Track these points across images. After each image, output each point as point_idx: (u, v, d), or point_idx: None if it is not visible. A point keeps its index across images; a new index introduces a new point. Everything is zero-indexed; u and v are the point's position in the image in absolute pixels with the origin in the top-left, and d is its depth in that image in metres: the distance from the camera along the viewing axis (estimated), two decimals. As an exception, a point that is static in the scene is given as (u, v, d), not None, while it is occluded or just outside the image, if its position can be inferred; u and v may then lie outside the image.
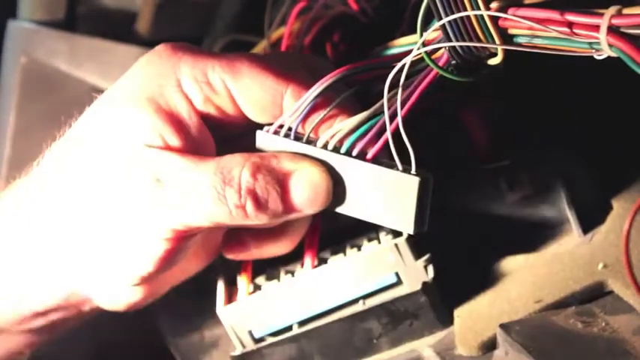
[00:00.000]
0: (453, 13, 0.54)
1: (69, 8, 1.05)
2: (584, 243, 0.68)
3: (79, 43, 1.03)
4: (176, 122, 0.61)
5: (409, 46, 0.59)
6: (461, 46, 0.55)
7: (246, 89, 0.61)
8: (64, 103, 1.00)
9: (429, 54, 0.56)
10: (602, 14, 0.49)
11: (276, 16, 0.78)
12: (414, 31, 0.57)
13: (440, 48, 0.56)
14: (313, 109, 0.60)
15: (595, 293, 0.66)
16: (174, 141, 0.60)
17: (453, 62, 0.56)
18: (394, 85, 0.57)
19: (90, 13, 1.07)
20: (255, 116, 0.62)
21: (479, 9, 0.54)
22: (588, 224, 0.69)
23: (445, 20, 0.54)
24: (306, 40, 0.74)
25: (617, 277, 0.65)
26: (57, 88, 1.03)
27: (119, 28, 1.05)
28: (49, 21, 1.05)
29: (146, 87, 0.61)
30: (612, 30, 0.48)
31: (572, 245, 0.69)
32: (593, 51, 0.50)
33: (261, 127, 0.62)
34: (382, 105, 0.57)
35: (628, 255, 0.64)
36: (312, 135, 0.61)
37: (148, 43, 0.95)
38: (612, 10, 0.48)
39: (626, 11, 0.48)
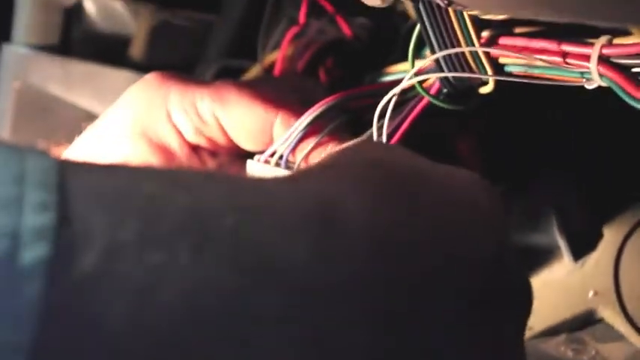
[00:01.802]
0: (445, 45, 0.55)
1: (63, 33, 1.06)
2: (575, 270, 0.68)
3: (74, 68, 1.03)
4: (167, 155, 0.61)
5: (401, 74, 0.59)
6: (453, 76, 0.55)
7: (236, 119, 0.61)
8: (58, 128, 1.00)
9: (421, 82, 0.57)
10: (592, 44, 0.49)
11: (269, 41, 0.79)
12: (407, 57, 0.58)
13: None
14: (304, 137, 0.60)
15: (586, 321, 0.66)
16: None
17: (445, 91, 0.56)
18: (386, 113, 0.57)
19: (84, 38, 1.07)
20: (246, 144, 0.62)
21: (472, 42, 0.54)
22: (579, 251, 0.69)
23: (439, 55, 0.55)
24: (299, 65, 0.74)
25: (607, 304, 0.65)
26: (51, 113, 1.03)
27: (113, 53, 1.05)
28: (43, 45, 1.05)
29: (136, 119, 0.61)
30: (603, 60, 0.49)
31: (563, 272, 0.69)
32: (584, 80, 0.50)
33: (252, 154, 0.62)
34: (375, 132, 0.58)
35: (618, 283, 0.64)
36: (302, 163, 0.61)
37: (142, 68, 0.95)
38: (603, 40, 0.49)
39: (616, 41, 0.49)
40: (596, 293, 0.66)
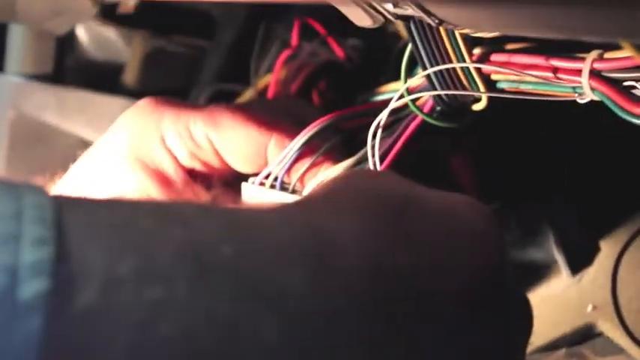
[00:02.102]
0: (437, 63, 0.55)
1: (56, 61, 1.06)
2: (573, 285, 0.68)
3: (68, 96, 1.03)
4: (162, 180, 0.61)
5: (394, 92, 0.59)
6: (446, 94, 0.56)
7: (230, 142, 0.61)
8: (53, 156, 1.00)
9: (414, 100, 0.57)
10: (584, 59, 0.49)
11: (262, 64, 0.79)
12: (399, 78, 0.58)
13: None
14: (299, 157, 0.60)
15: (585, 335, 0.66)
16: (161, 198, 0.60)
17: (438, 108, 0.56)
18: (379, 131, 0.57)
19: (78, 66, 1.07)
20: (240, 167, 0.62)
21: (464, 60, 0.54)
22: (577, 266, 0.69)
23: (430, 71, 0.55)
24: (292, 88, 0.74)
25: (606, 318, 0.65)
26: (46, 142, 1.03)
27: (107, 80, 1.05)
28: (36, 74, 1.05)
29: (131, 145, 0.61)
30: (594, 74, 0.49)
31: (561, 287, 0.69)
32: (576, 95, 0.51)
33: (247, 177, 0.63)
34: (369, 150, 0.58)
35: (616, 296, 0.64)
36: (298, 184, 0.61)
37: (137, 95, 0.95)
38: (594, 54, 0.49)
39: (607, 55, 0.49)
40: (594, 307, 0.66)
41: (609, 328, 0.65)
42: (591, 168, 0.72)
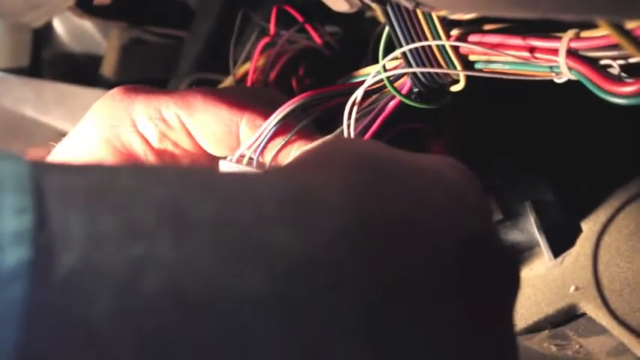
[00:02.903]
0: (413, 41, 0.55)
1: (34, 54, 1.06)
2: (555, 266, 0.68)
3: (45, 89, 1.03)
4: (133, 162, 0.61)
5: (371, 75, 0.59)
6: (423, 73, 0.55)
7: (201, 122, 0.61)
8: (32, 149, 1.00)
9: (392, 82, 0.57)
10: (560, 38, 0.49)
11: (240, 52, 0.79)
12: (377, 62, 0.58)
13: (402, 76, 0.56)
14: (273, 136, 0.60)
15: (568, 316, 0.66)
16: None
17: (416, 90, 0.56)
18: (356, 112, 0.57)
19: (55, 59, 1.07)
20: (213, 149, 0.62)
21: (439, 38, 0.54)
22: (559, 247, 0.69)
23: (406, 48, 0.55)
24: (271, 75, 0.74)
25: (589, 299, 0.65)
26: (24, 135, 1.02)
27: (85, 72, 1.05)
28: (14, 68, 1.05)
29: (102, 130, 0.61)
30: (571, 53, 0.49)
31: (543, 269, 0.69)
32: (554, 74, 0.51)
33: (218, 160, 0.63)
34: (345, 130, 0.58)
35: (598, 277, 0.65)
36: (273, 163, 0.61)
37: (114, 86, 0.95)
38: (570, 33, 0.49)
39: (584, 34, 0.49)
40: (577, 288, 0.66)
41: (592, 308, 0.65)
42: (572, 149, 0.72)
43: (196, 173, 0.35)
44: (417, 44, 0.54)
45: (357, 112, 0.58)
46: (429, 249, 0.37)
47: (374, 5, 0.57)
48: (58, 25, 1.07)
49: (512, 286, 0.41)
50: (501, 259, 0.41)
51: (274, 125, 0.59)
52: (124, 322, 0.28)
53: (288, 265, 0.32)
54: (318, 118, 0.61)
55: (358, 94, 0.57)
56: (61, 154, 0.63)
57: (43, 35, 1.07)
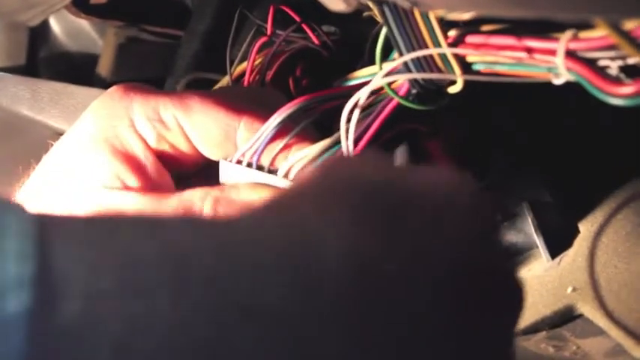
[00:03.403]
0: (412, 46, 0.55)
1: (30, 53, 1.05)
2: (552, 267, 0.68)
3: (42, 88, 1.02)
4: (132, 162, 0.61)
5: (369, 77, 0.59)
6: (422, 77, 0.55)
7: (198, 125, 0.61)
8: (28, 149, 1.00)
9: (389, 83, 0.57)
10: (558, 39, 0.49)
11: (237, 52, 0.79)
12: (374, 63, 0.58)
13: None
14: (272, 139, 0.60)
15: (565, 317, 0.66)
16: (132, 181, 0.60)
17: (414, 91, 0.56)
18: (354, 114, 0.57)
19: (51, 58, 1.07)
20: (209, 152, 0.62)
21: (439, 42, 0.54)
22: (556, 249, 0.69)
23: (407, 57, 0.55)
24: (268, 75, 0.74)
25: (586, 300, 0.65)
26: (21, 134, 1.02)
27: (81, 71, 1.04)
28: (10, 67, 1.05)
29: (101, 130, 0.61)
30: (569, 54, 0.49)
31: (540, 270, 0.69)
32: (552, 75, 0.50)
33: (215, 163, 0.62)
34: (343, 133, 0.58)
35: (595, 278, 0.64)
36: (271, 167, 0.61)
37: (111, 85, 0.95)
38: (569, 34, 0.49)
39: (582, 35, 0.49)
40: (574, 289, 0.66)
41: (589, 309, 0.65)
42: (568, 150, 0.72)
43: (198, 224, 0.35)
44: (419, 53, 0.54)
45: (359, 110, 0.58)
46: (440, 283, 0.37)
47: (371, 5, 0.56)
48: (55, 24, 1.06)
49: (517, 305, 0.41)
50: (508, 278, 0.41)
51: (273, 128, 0.59)
52: None
53: (283, 328, 0.32)
54: (315, 121, 0.60)
55: (358, 98, 0.57)
56: (58, 152, 0.63)
57: (40, 34, 1.07)
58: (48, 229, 0.30)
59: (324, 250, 0.35)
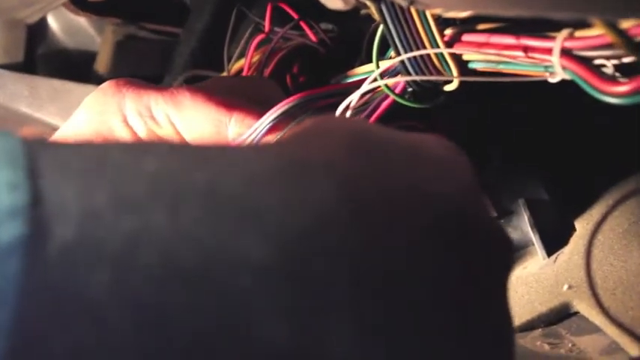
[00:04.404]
0: (409, 45, 0.55)
1: (28, 50, 1.05)
2: (548, 265, 0.69)
3: (40, 85, 1.02)
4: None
5: (367, 74, 0.59)
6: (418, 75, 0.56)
7: (189, 121, 0.61)
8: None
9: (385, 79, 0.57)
10: (554, 37, 0.49)
11: (235, 49, 0.79)
12: (371, 60, 0.58)
13: (396, 75, 0.57)
14: (266, 134, 0.60)
15: (561, 314, 0.66)
16: None
17: (410, 89, 0.56)
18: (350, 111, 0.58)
19: (49, 55, 1.07)
20: None
21: (435, 41, 0.54)
22: (552, 246, 0.69)
23: (404, 57, 0.55)
24: (265, 72, 0.74)
25: (582, 297, 0.65)
26: (19, 131, 1.02)
27: (79, 68, 1.04)
28: (8, 64, 1.05)
29: (93, 125, 0.62)
30: (565, 53, 0.49)
31: (536, 268, 0.69)
32: (548, 74, 0.51)
33: None
34: None
35: (591, 275, 0.65)
36: None
37: (108, 82, 0.95)
38: (565, 33, 0.49)
39: (578, 34, 0.49)
40: (570, 287, 0.66)
41: (585, 307, 0.65)
42: (564, 148, 0.72)
43: (189, 147, 0.35)
44: (415, 53, 0.55)
45: (351, 111, 0.58)
46: (425, 222, 0.37)
47: (368, 3, 0.56)
48: (53, 22, 1.06)
49: (506, 259, 0.41)
50: (495, 234, 0.41)
51: (268, 123, 0.60)
52: (122, 295, 0.28)
53: (281, 235, 0.32)
54: (312, 116, 0.61)
55: (354, 98, 0.57)
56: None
57: (38, 31, 1.06)
58: (38, 155, 0.30)
59: (316, 175, 0.35)
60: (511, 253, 0.42)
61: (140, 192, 0.30)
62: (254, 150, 0.37)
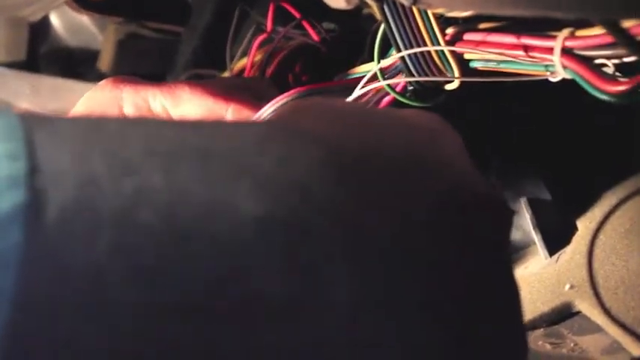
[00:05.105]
0: (411, 44, 0.55)
1: (30, 49, 1.05)
2: (550, 265, 0.69)
3: (42, 83, 1.02)
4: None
5: (367, 72, 0.59)
6: (419, 74, 0.56)
7: (187, 113, 0.62)
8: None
9: (386, 79, 0.57)
10: (555, 37, 0.49)
11: (237, 48, 0.79)
12: (374, 59, 0.58)
13: (397, 74, 0.57)
14: None
15: (563, 314, 0.66)
16: None
17: (411, 88, 0.56)
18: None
19: (52, 53, 1.07)
20: None
21: (437, 40, 0.54)
22: (554, 246, 0.69)
23: (404, 53, 0.55)
24: (268, 72, 0.74)
25: (584, 297, 0.65)
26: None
27: (81, 67, 1.05)
28: (10, 62, 1.05)
29: None
30: (566, 52, 0.49)
31: (538, 267, 0.69)
32: (549, 73, 0.51)
33: None
34: None
35: (593, 275, 0.65)
36: None
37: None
38: (565, 32, 0.49)
39: (579, 33, 0.49)
40: (572, 286, 0.66)
41: (587, 306, 0.65)
42: (565, 147, 0.72)
43: (181, 120, 0.36)
44: (416, 49, 0.55)
45: None
46: (417, 187, 0.37)
47: (371, 2, 0.56)
48: (55, 20, 1.06)
49: (505, 222, 0.41)
50: (489, 197, 0.41)
51: (267, 115, 0.60)
52: (124, 257, 0.28)
53: (277, 191, 0.32)
54: None
55: (352, 95, 0.57)
56: None
57: (40, 30, 1.07)
58: (35, 128, 0.30)
59: (304, 139, 0.35)
60: (506, 208, 0.42)
61: (136, 154, 0.30)
62: (243, 121, 0.38)
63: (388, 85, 0.57)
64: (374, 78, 0.58)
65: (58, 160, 0.29)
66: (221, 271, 0.29)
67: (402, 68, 0.56)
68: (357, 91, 0.58)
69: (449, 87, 0.56)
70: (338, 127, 0.37)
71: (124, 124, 0.32)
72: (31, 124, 0.30)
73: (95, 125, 0.32)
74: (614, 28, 0.44)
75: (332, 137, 0.36)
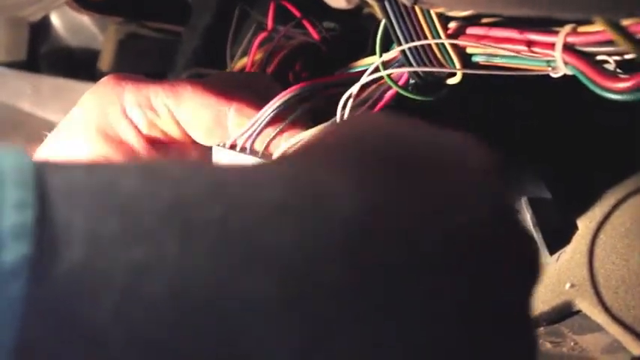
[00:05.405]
0: (412, 39, 0.55)
1: (31, 49, 1.05)
2: (550, 264, 0.68)
3: (43, 83, 1.02)
4: (126, 150, 0.62)
5: (369, 66, 0.59)
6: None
7: (189, 112, 0.62)
8: (30, 144, 1.00)
9: (389, 73, 0.57)
10: (557, 32, 0.49)
11: (237, 47, 0.79)
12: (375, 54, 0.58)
13: (399, 67, 0.57)
14: (268, 125, 0.60)
15: (563, 313, 0.66)
16: None
17: (413, 82, 0.56)
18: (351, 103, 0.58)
19: (52, 53, 1.07)
20: (201, 138, 0.63)
21: (439, 36, 0.54)
22: (554, 245, 0.69)
23: (405, 47, 0.55)
24: (268, 70, 0.74)
25: (584, 296, 0.65)
26: (21, 129, 1.02)
27: (82, 67, 1.05)
28: (11, 62, 1.05)
29: (93, 117, 0.62)
30: (568, 48, 0.49)
31: (539, 266, 0.69)
32: (550, 69, 0.51)
33: (208, 149, 0.63)
34: (339, 119, 0.58)
35: (593, 274, 0.64)
36: (265, 152, 0.61)
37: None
38: (568, 28, 0.49)
39: (581, 29, 0.49)
40: (572, 285, 0.66)
41: (587, 305, 0.65)
42: (566, 146, 0.72)
43: (205, 171, 0.34)
44: (417, 43, 0.55)
45: (353, 102, 0.58)
46: (450, 246, 0.36)
47: (371, 1, 0.56)
48: (56, 20, 1.06)
49: (534, 266, 0.41)
50: (523, 241, 0.40)
51: (269, 114, 0.60)
52: (125, 325, 0.27)
53: (292, 272, 0.31)
54: (313, 108, 0.61)
55: (354, 89, 0.57)
56: (53, 141, 0.63)
57: (40, 29, 1.07)
58: (48, 176, 0.29)
59: (332, 202, 0.34)
60: (538, 260, 0.41)
61: (151, 221, 0.29)
62: (269, 173, 0.36)
63: (390, 78, 0.57)
64: (376, 71, 0.58)
65: (69, 215, 0.28)
66: (227, 351, 0.29)
67: (404, 62, 0.56)
68: (357, 85, 0.58)
69: (451, 81, 0.56)
70: (375, 190, 0.35)
71: (143, 183, 0.31)
72: (45, 171, 0.29)
73: (113, 180, 0.31)
74: (614, 25, 0.45)
75: (366, 206, 0.34)
